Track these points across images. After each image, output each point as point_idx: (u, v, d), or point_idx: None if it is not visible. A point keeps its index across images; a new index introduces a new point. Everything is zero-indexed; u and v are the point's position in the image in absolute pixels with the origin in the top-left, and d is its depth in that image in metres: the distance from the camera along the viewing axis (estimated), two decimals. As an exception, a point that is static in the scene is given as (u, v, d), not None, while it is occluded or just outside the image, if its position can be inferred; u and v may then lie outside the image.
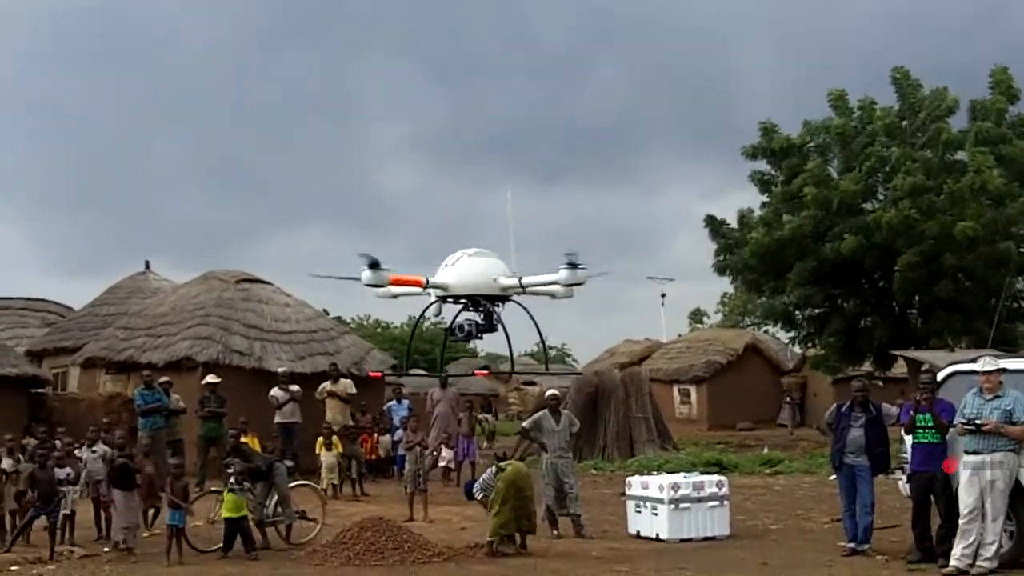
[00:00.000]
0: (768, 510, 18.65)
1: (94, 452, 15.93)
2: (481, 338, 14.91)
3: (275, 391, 22.12)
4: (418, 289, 14.54)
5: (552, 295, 14.67)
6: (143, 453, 16.97)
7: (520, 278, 14.52)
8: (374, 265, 14.07)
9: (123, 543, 14.06)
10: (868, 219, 28.98)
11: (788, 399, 44.19)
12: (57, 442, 16.47)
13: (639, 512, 15.76)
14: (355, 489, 20.78)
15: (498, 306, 14.43)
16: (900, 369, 33.44)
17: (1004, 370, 12.53)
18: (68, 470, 14.69)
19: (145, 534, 15.67)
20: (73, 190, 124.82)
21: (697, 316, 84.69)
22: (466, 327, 14.57)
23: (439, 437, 22.07)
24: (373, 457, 23.43)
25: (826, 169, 30.73)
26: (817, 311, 33.09)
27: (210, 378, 21.83)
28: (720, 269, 33.36)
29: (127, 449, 15.27)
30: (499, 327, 14.38)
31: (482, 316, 14.60)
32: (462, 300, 14.61)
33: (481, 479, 15.19)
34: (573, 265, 14.09)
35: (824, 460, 25.98)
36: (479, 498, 14.92)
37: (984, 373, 12.45)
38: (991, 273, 29.03)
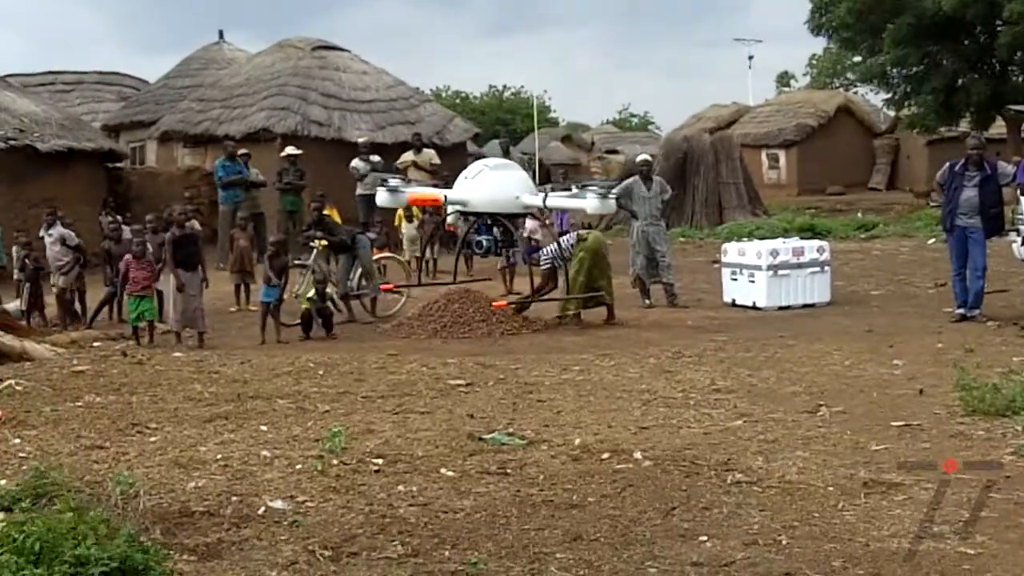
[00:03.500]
0: (868, 276, 18.12)
1: (50, 235, 15.12)
2: (500, 255, 14.28)
3: (356, 162, 21.61)
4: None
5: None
6: (239, 227, 16.78)
7: (544, 197, 13.77)
8: (392, 189, 14.11)
9: (183, 331, 13.31)
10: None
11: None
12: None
13: (735, 280, 15.32)
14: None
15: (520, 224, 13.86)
16: (999, 129, 32.34)
17: None
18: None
19: (233, 309, 15.62)
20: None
21: (784, 79, 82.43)
22: (485, 244, 13.90)
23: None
24: (452, 229, 23.01)
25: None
26: (914, 69, 32.14)
27: (290, 150, 21.43)
28: (815, 28, 32.38)
29: (188, 226, 14.13)
30: (519, 243, 13.78)
31: (501, 231, 13.89)
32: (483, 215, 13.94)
33: (550, 248, 14.77)
34: (603, 195, 13.50)
35: (921, 224, 25.49)
36: (544, 267, 14.56)
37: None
38: None
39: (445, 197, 13.98)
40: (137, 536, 5.22)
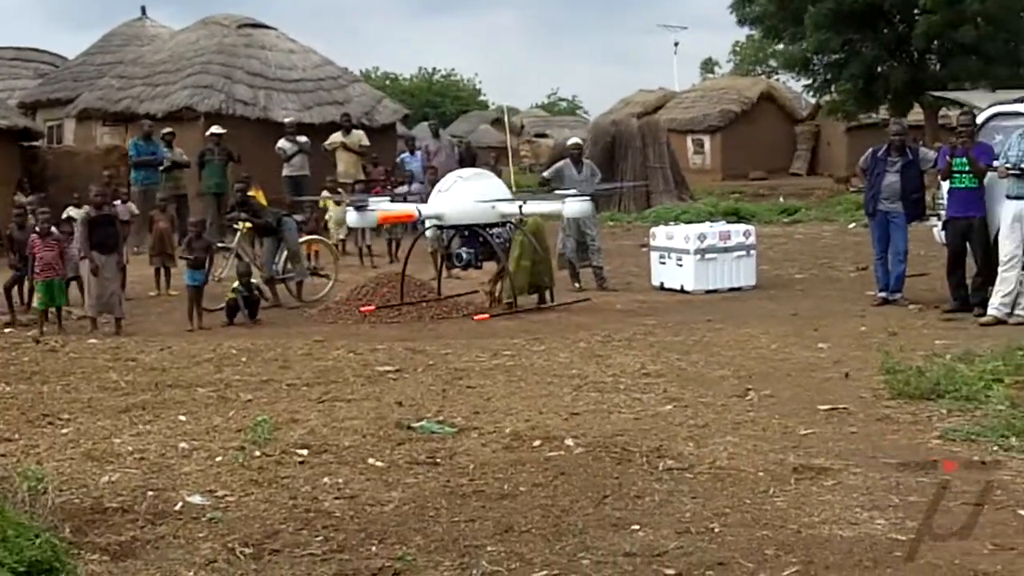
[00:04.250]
0: (791, 260, 18.21)
1: None
2: (481, 267, 13.97)
3: (282, 142, 21.30)
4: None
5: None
6: (159, 208, 16.44)
7: (521, 205, 13.54)
8: (361, 208, 13.51)
9: (99, 316, 12.77)
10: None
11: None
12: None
13: (663, 263, 15.31)
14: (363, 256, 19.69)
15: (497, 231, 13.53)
16: (917, 115, 32.76)
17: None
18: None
19: (152, 293, 15.32)
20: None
21: (709, 66, 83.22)
22: (465, 256, 13.62)
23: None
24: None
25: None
26: (834, 57, 32.60)
27: (214, 129, 20.90)
28: (739, 16, 32.76)
29: (106, 207, 13.48)
30: (500, 253, 13.45)
31: (481, 242, 13.64)
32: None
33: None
34: (580, 200, 13.51)
35: (842, 208, 25.74)
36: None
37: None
38: (1013, 18, 29.07)
39: (419, 212, 13.70)
40: (46, 535, 5.01)
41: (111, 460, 7.13)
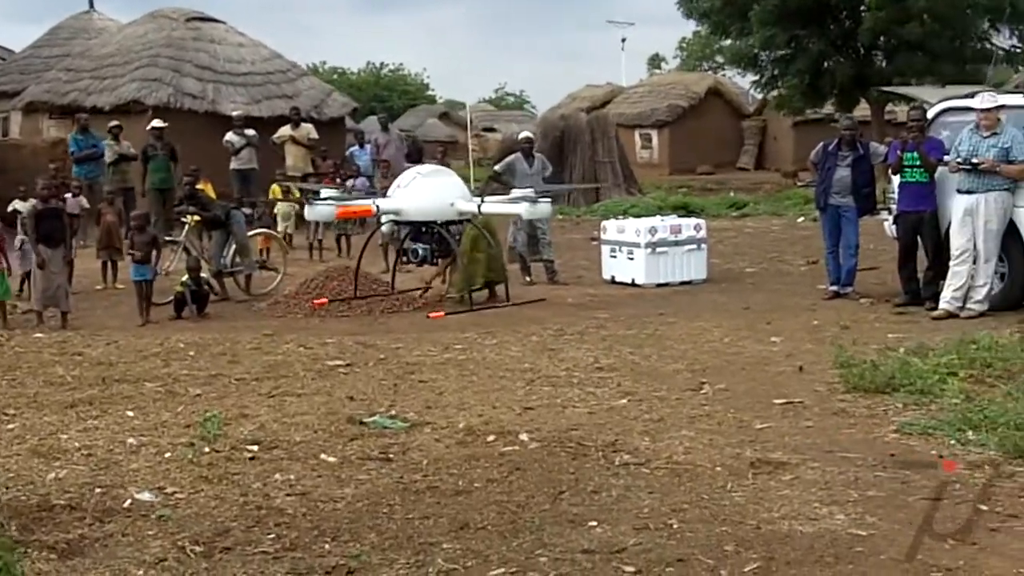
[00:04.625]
0: (741, 253, 18.24)
1: None
2: (436, 263, 13.79)
3: (230, 135, 21.09)
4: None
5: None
6: (106, 201, 16.19)
7: (479, 204, 13.38)
8: (320, 204, 13.37)
9: (45, 310, 12.57)
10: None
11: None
12: None
13: (614, 257, 15.27)
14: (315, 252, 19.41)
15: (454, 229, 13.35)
16: (863, 111, 32.99)
17: (1003, 107, 11.85)
18: None
19: (99, 287, 15.09)
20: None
21: (656, 61, 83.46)
22: (420, 252, 13.49)
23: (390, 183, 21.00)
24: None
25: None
26: (781, 52, 32.77)
27: (156, 123, 20.49)
28: (686, 11, 32.93)
29: (53, 201, 13.21)
30: (456, 250, 13.28)
31: (437, 239, 13.50)
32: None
33: None
34: (534, 200, 13.21)
35: (790, 203, 25.86)
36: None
37: (983, 110, 11.75)
38: (958, 15, 29.04)
39: (378, 208, 13.53)
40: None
41: (58, 456, 6.97)
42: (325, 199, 13.45)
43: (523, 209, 13.33)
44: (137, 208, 17.60)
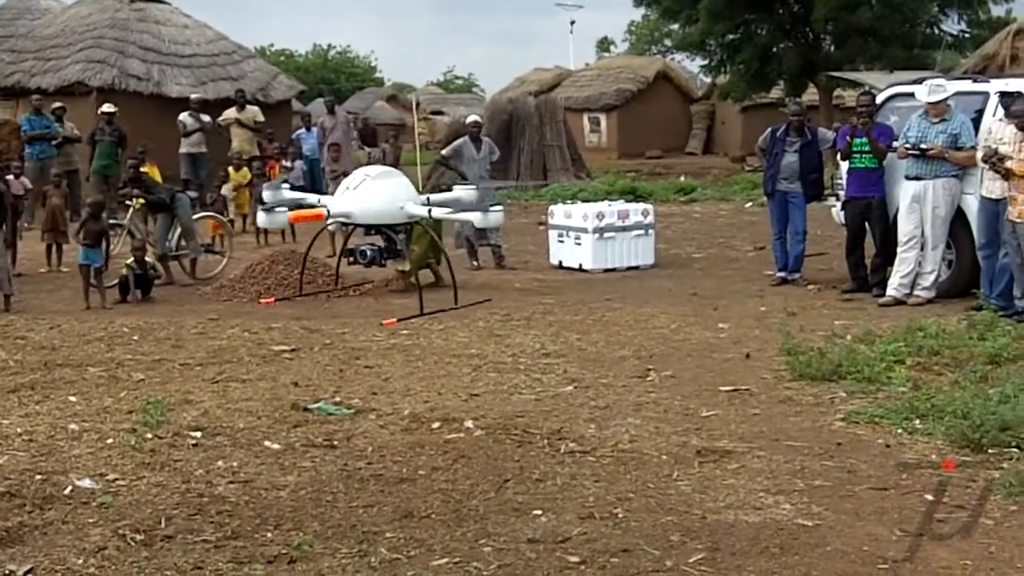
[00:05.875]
0: (689, 239, 18.27)
1: None
2: (384, 265, 13.49)
3: (184, 116, 20.88)
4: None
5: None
6: (53, 183, 15.96)
7: (430, 209, 13.10)
8: (270, 210, 12.79)
9: None
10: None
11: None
12: None
13: (561, 242, 15.25)
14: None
15: (401, 233, 13.08)
16: (811, 96, 33.19)
17: (952, 93, 11.90)
18: None
19: (44, 269, 14.88)
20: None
21: (604, 45, 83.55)
22: (368, 253, 13.21)
23: (340, 167, 20.72)
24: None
25: None
26: (729, 38, 32.81)
27: (106, 107, 20.35)
28: (635, -3, 33.06)
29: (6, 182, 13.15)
30: (403, 252, 13.03)
31: (385, 240, 13.27)
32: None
33: None
34: (486, 209, 12.88)
35: (738, 188, 25.97)
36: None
37: (931, 101, 11.79)
38: (908, 0, 29.46)
39: (328, 211, 13.24)
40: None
41: (-3, 442, 6.86)
42: (276, 206, 13.15)
43: (476, 218, 13.05)
44: (82, 191, 17.43)
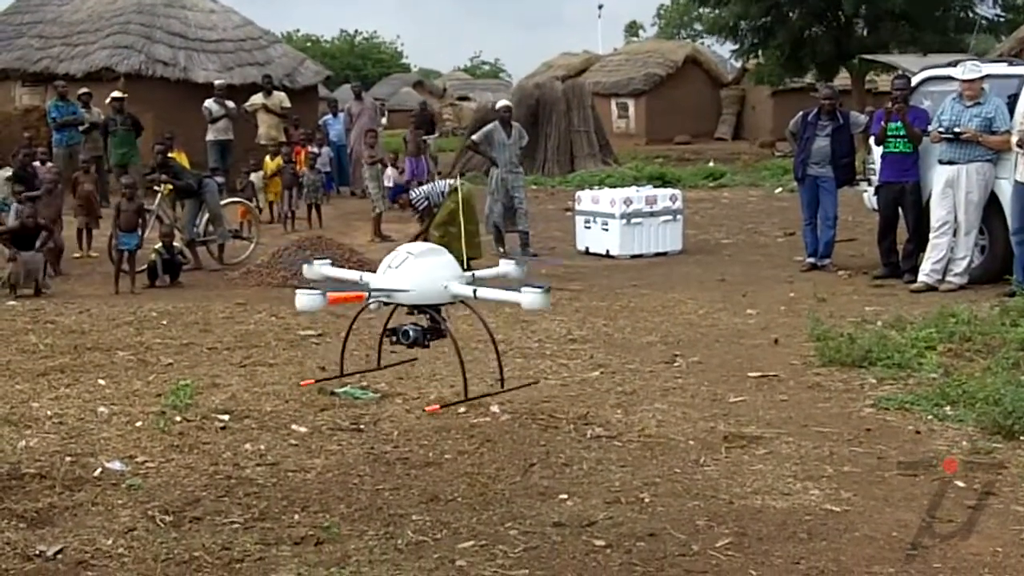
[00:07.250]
0: (718, 224, 18.20)
1: None
2: (428, 346, 12.99)
3: (209, 103, 20.88)
4: None
5: None
6: (82, 169, 16.02)
7: (475, 290, 12.63)
8: (311, 294, 12.63)
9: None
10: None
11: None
12: None
13: (588, 228, 15.22)
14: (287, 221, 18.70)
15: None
16: (843, 81, 32.99)
17: (987, 76, 11.77)
18: None
19: (77, 254, 14.93)
20: None
21: (633, 29, 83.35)
22: (412, 334, 12.83)
23: (377, 153, 20.75)
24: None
25: None
26: (761, 21, 32.59)
27: (115, 93, 20.09)
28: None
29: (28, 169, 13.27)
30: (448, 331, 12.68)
31: (429, 319, 12.94)
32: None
33: (423, 188, 14.94)
34: (537, 286, 12.61)
35: (768, 173, 25.81)
36: (417, 205, 14.62)
37: (965, 80, 11.68)
38: None
39: (369, 293, 12.92)
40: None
41: (29, 425, 6.90)
42: (311, 286, 12.82)
43: (524, 299, 12.33)
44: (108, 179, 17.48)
